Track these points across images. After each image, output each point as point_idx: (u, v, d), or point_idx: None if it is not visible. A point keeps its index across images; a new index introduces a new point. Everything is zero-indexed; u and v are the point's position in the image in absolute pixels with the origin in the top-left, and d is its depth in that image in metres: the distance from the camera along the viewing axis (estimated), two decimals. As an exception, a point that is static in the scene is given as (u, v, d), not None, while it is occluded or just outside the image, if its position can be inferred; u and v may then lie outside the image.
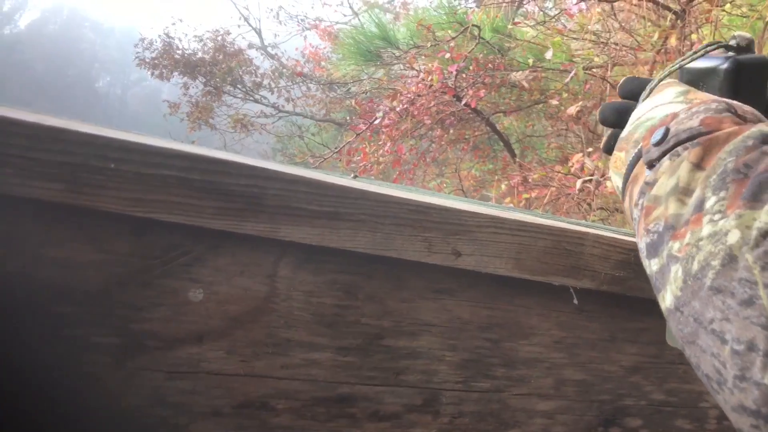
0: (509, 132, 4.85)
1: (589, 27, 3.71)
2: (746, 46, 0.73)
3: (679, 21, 3.33)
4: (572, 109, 3.05)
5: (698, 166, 0.51)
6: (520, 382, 0.79)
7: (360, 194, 0.64)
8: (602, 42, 3.80)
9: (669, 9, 3.39)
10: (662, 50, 3.16)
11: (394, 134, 4.01)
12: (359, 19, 13.16)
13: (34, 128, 0.53)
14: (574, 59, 3.82)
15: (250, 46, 14.71)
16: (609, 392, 0.83)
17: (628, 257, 0.76)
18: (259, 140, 14.25)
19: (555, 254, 0.73)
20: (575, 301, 0.77)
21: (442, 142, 4.50)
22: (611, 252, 0.75)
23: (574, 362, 0.82)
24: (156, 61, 13.11)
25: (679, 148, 0.55)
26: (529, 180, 3.29)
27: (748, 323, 0.41)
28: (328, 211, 0.63)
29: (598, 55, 3.94)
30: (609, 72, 3.73)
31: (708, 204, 0.48)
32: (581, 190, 2.82)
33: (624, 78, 0.83)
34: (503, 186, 3.55)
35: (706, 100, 0.61)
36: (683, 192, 0.51)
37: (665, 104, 0.67)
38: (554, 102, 3.96)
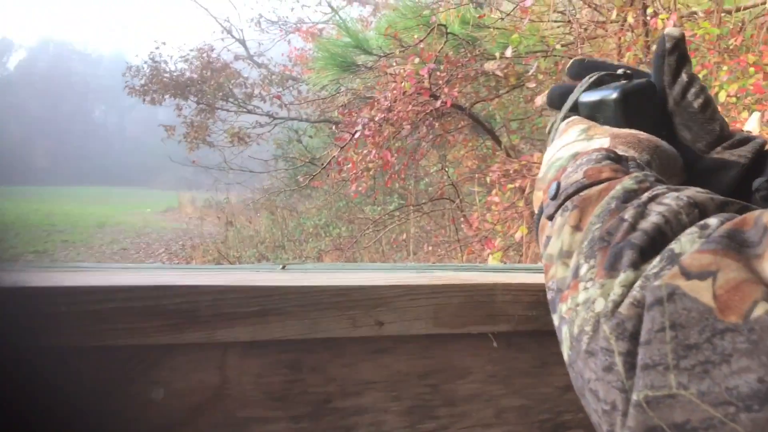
0: (492, 118, 4.93)
1: (553, 8, 3.77)
2: (633, 73, 0.80)
3: (636, -6, 3.38)
4: (539, 99, 3.12)
5: (577, 227, 0.57)
6: (463, 417, 0.89)
7: (284, 290, 0.74)
8: (567, 21, 3.85)
9: (625, -18, 3.44)
10: (624, 27, 3.22)
11: (378, 141, 4.10)
12: (339, 16, 13.19)
13: (-9, 290, 0.63)
14: (544, 41, 3.87)
15: (236, 57, 14.72)
16: (547, 411, 0.93)
17: (538, 297, 0.85)
18: (258, 150, 14.33)
19: (469, 307, 0.82)
20: (494, 344, 0.86)
21: (428, 139, 4.60)
22: (521, 295, 0.85)
23: (510, 391, 0.91)
24: (146, 87, 13.20)
25: (567, 203, 0.60)
26: (511, 172, 3.38)
27: (610, 387, 0.46)
28: (257, 310, 0.73)
29: (566, 34, 3.99)
30: (580, 50, 3.79)
31: (582, 271, 0.52)
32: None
33: (572, 59, 0.89)
34: (488, 178, 3.64)
35: (589, 151, 0.68)
36: (566, 255, 0.57)
37: (570, 143, 0.74)
38: (531, 85, 4.03)
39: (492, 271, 0.90)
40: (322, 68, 4.38)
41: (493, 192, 3.55)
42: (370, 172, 4.32)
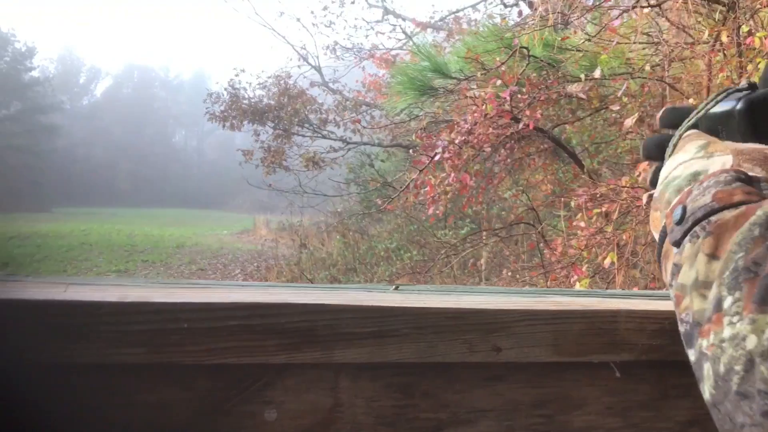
0: (573, 141, 4.83)
1: (640, 29, 3.68)
2: (756, 84, 0.76)
3: (730, 12, 3.26)
4: (629, 121, 3.04)
5: (713, 256, 0.53)
6: (578, 450, 0.84)
7: (400, 311, 0.72)
8: (655, 42, 3.75)
9: (718, 2, 3.33)
10: (715, 47, 3.10)
11: (457, 163, 4.08)
12: (413, 41, 13.31)
13: (118, 306, 0.64)
14: (629, 63, 3.78)
15: (312, 84, 15.02)
16: (668, 448, 0.87)
17: (663, 325, 0.80)
18: (331, 174, 14.57)
19: (591, 335, 0.78)
20: (617, 375, 0.81)
21: (507, 162, 4.54)
22: (645, 323, 0.80)
23: (628, 424, 0.86)
24: (225, 114, 13.61)
25: (697, 228, 0.57)
26: (598, 195, 3.28)
27: None
28: (374, 331, 0.71)
29: (653, 55, 3.88)
30: (666, 71, 3.68)
31: (725, 304, 0.49)
32: (648, 203, 2.80)
33: (663, 109, 0.86)
34: (572, 203, 3.54)
35: (716, 172, 0.64)
36: (703, 286, 0.53)
37: (688, 161, 0.70)
38: (615, 108, 3.93)
39: (613, 297, 0.86)
40: (399, 92, 4.41)
41: (578, 216, 3.46)
42: (448, 195, 4.30)
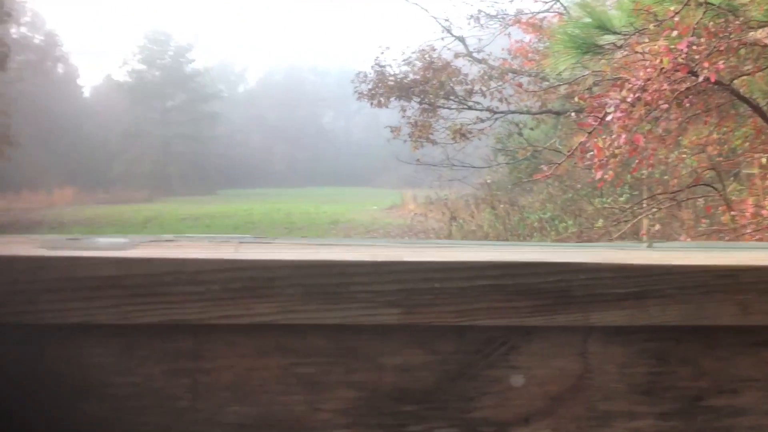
0: (756, 94, 4.37)
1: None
2: None
3: None
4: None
5: None
6: None
7: (665, 270, 0.65)
8: None
9: None
10: None
11: (627, 124, 3.82)
12: (560, 3, 12.74)
13: (372, 265, 0.62)
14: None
15: (456, 55, 14.88)
16: None
17: None
18: (478, 145, 14.43)
19: None
20: None
21: (680, 121, 4.19)
22: None
23: None
24: (373, 92, 13.83)
25: None
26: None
27: None
28: (635, 291, 0.65)
29: None
30: None
31: None
32: None
33: None
34: (764, 160, 3.19)
35: None
36: None
37: None
38: (809, 52, 3.49)
39: None
40: (560, 52, 4.20)
41: (772, 175, 3.12)
42: (617, 159, 4.06)
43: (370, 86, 14.06)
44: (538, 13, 14.36)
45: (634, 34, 3.76)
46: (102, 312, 0.59)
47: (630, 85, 3.68)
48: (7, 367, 0.63)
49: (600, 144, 4.01)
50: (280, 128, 48.87)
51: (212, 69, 47.94)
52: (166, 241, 0.67)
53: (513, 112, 13.86)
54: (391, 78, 13.95)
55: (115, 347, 0.63)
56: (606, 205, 9.87)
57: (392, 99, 13.87)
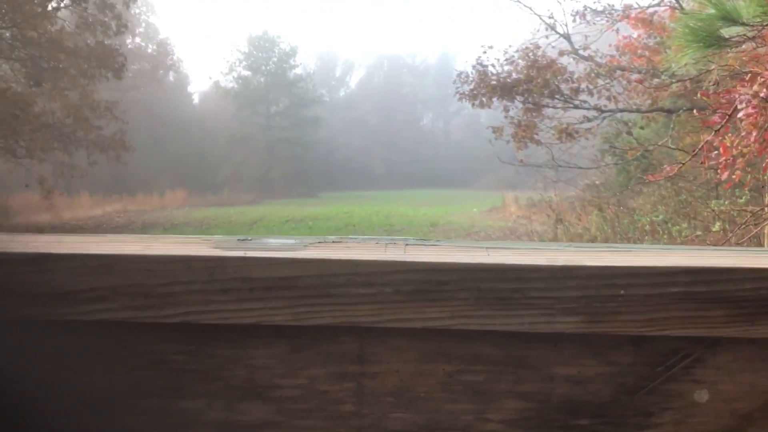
0: None
1: None
2: None
3: None
4: None
5: None
6: None
7: None
8: None
9: None
10: None
11: (758, 121, 3.55)
12: (673, -2, 12.14)
13: (551, 270, 0.58)
14: None
15: (561, 53, 14.53)
16: None
17: None
18: (585, 145, 14.03)
19: None
20: None
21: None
22: None
23: None
24: (474, 92, 13.73)
25: None
26: None
27: None
28: None
29: None
30: None
31: None
32: None
33: None
34: None
35: None
36: None
37: None
38: None
39: None
40: (680, 46, 3.97)
41: None
42: (745, 158, 3.78)
43: (471, 86, 13.95)
44: (648, 7, 13.77)
45: (767, 26, 3.50)
46: (276, 313, 0.59)
47: (762, 79, 3.42)
48: (173, 365, 0.63)
49: (727, 143, 3.76)
50: (379, 131, 49.36)
51: (314, 74, 49.07)
52: (333, 242, 0.66)
53: (622, 111, 13.40)
54: (493, 77, 13.78)
55: (281, 348, 0.63)
56: (722, 207, 9.32)
57: (494, 99, 13.71)
